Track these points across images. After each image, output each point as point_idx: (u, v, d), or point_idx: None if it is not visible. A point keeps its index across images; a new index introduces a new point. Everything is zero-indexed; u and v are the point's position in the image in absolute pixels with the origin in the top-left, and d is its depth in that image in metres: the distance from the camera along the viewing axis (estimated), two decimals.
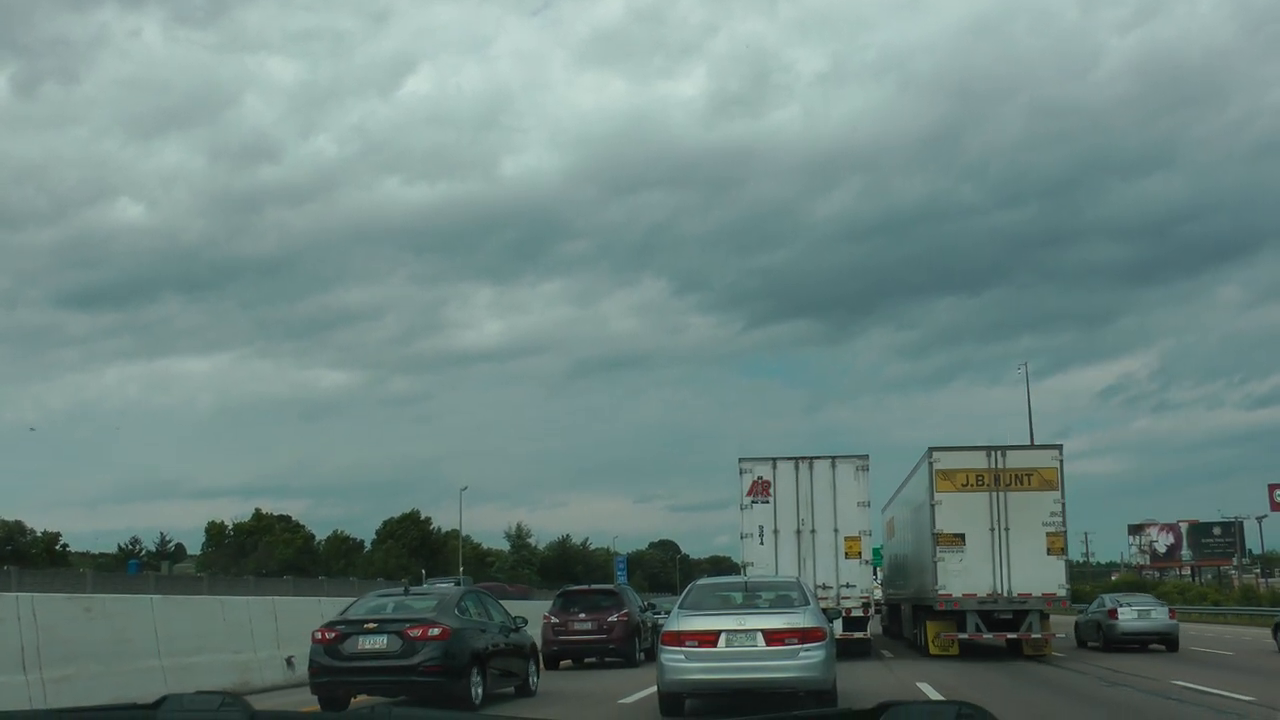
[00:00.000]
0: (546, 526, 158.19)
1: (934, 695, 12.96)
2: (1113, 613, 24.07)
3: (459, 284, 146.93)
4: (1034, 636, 19.65)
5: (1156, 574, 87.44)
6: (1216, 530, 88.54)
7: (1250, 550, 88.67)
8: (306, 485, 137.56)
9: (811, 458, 20.60)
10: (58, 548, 75.84)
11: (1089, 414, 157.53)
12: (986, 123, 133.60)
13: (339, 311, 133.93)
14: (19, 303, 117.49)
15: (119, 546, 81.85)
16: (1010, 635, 19.78)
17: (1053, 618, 21.32)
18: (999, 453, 19.49)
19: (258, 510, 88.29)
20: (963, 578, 19.04)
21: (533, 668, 14.86)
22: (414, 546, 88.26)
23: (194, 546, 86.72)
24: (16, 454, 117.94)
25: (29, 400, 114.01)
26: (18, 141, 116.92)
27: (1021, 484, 19.12)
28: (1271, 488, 77.12)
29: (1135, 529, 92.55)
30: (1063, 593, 19.55)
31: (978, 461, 19.39)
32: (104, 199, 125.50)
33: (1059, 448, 19.93)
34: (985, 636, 19.75)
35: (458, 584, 26.30)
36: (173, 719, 2.23)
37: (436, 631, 12.31)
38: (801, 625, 11.04)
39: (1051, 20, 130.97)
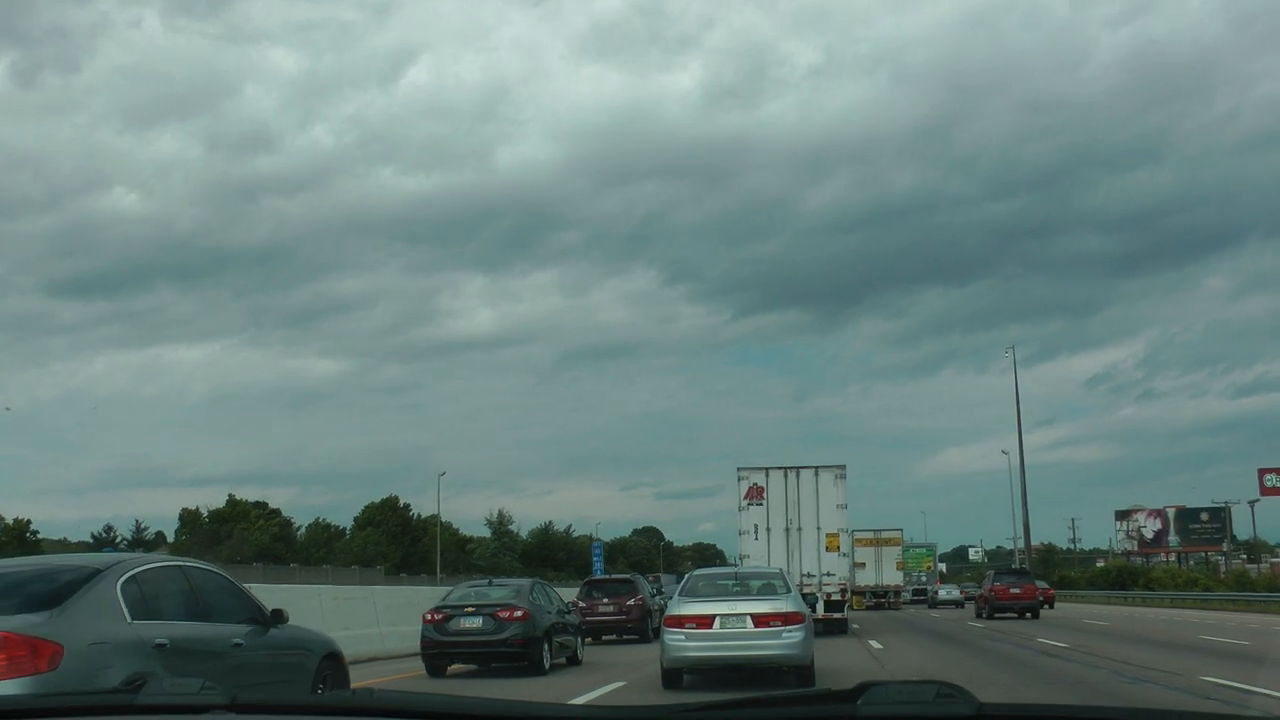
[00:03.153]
0: (534, 514, 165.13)
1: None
2: (935, 593, 62.49)
3: (452, 273, 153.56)
4: (893, 600, 46.97)
5: (1143, 559, 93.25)
6: (1204, 516, 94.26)
7: (1235, 536, 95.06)
8: (294, 473, 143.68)
9: (798, 467, 26.35)
10: (28, 535, 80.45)
11: (1075, 402, 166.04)
12: (977, 116, 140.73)
13: (332, 300, 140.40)
14: (10, 290, 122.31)
15: (92, 535, 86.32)
16: (884, 601, 45.79)
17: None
18: (878, 532, 45.73)
19: (231, 496, 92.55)
20: (864, 579, 43.95)
21: (580, 642, 20.08)
22: (393, 533, 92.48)
23: (174, 534, 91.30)
24: (2, 441, 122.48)
25: (18, 387, 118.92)
26: (15, 130, 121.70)
27: (887, 543, 46.07)
28: (1262, 472, 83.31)
29: (1122, 515, 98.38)
30: (903, 584, 49.62)
31: (868, 536, 45.11)
32: (99, 187, 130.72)
33: (901, 530, 47.97)
34: (874, 600, 45.18)
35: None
36: (154, 702, 2.27)
37: (519, 613, 17.26)
38: (784, 610, 13.48)
39: (1043, 15, 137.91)
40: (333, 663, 8.98)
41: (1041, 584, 49.91)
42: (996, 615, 36.54)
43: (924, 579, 72.25)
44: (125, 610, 6.74)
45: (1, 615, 6.24)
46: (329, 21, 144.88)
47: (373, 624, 20.38)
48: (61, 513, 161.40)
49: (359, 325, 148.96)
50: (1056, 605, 53.01)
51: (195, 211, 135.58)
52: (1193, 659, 17.92)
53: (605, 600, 25.55)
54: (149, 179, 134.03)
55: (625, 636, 25.51)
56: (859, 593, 42.81)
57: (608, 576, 28.99)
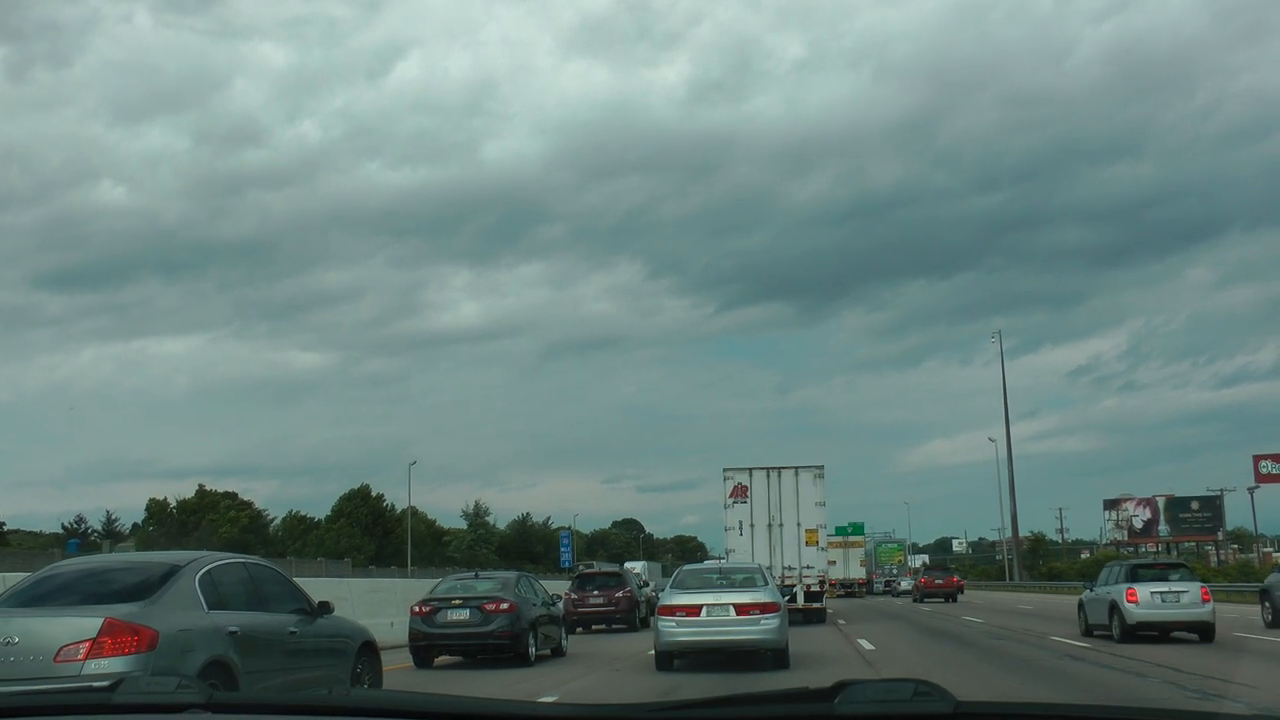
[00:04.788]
0: (516, 507, 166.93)
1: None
2: (898, 583, 76.54)
3: (437, 266, 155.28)
4: (859, 590, 62.24)
5: (1132, 549, 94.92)
6: (1195, 505, 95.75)
7: (1223, 526, 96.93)
8: (278, 466, 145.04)
9: (780, 468, 28.31)
10: None
11: (1059, 394, 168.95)
12: (961, 109, 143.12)
13: (317, 293, 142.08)
14: None
15: (63, 525, 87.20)
16: (851, 591, 60.42)
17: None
18: (846, 536, 60.33)
19: (201, 487, 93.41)
20: (835, 573, 51.94)
21: (564, 633, 21.14)
22: (366, 524, 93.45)
23: (143, 524, 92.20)
24: None
25: (3, 380, 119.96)
26: (4, 123, 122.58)
27: (853, 545, 61.88)
28: (1257, 459, 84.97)
29: (1111, 504, 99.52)
30: (865, 578, 66.73)
31: (839, 539, 56.08)
32: (87, 181, 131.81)
33: (864, 536, 67.61)
34: (843, 591, 58.32)
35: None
36: (131, 700, 2.30)
37: (505, 606, 18.25)
38: (762, 600, 15.76)
39: (1027, 10, 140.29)
40: (368, 651, 10.46)
41: (958, 577, 67.87)
42: (926, 599, 54.48)
43: (895, 571, 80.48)
44: (203, 601, 8.20)
45: (103, 604, 7.68)
46: (318, 16, 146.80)
47: None
48: (43, 505, 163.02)
49: (344, 318, 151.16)
50: (1052, 597, 59.70)
51: (182, 204, 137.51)
52: (1249, 662, 16.39)
53: (596, 592, 27.68)
54: (137, 172, 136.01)
55: (614, 626, 27.38)
56: (831, 584, 47.18)
57: (597, 570, 31.02)
